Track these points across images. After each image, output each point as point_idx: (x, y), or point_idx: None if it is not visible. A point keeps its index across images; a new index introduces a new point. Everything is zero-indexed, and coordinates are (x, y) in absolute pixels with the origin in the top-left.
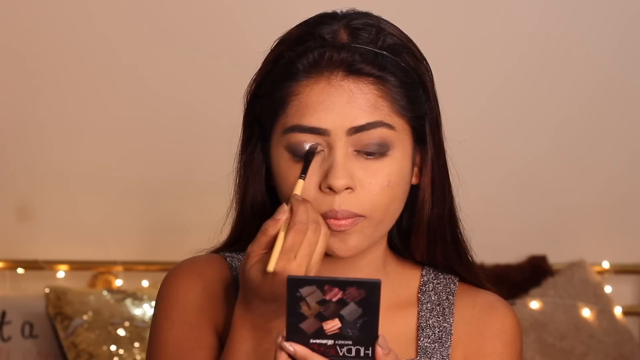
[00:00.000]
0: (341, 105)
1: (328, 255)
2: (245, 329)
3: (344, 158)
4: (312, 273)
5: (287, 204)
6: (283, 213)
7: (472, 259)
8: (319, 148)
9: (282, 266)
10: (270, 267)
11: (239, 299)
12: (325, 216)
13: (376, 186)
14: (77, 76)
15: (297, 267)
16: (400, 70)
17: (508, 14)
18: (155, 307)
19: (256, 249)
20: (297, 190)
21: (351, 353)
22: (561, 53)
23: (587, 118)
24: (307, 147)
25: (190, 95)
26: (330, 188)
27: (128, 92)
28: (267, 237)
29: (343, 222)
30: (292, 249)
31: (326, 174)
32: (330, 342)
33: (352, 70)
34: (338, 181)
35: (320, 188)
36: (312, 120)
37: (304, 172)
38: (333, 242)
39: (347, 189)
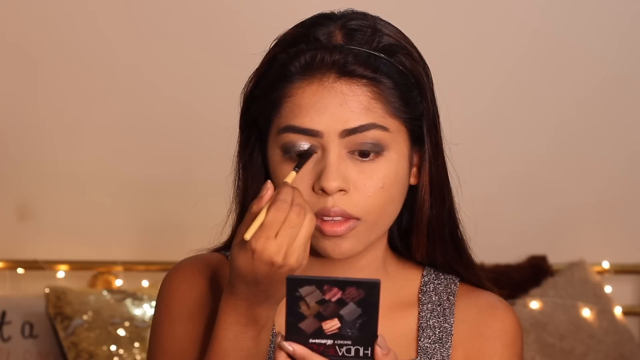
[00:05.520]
0: (334, 107)
1: (323, 257)
2: (229, 315)
3: (337, 160)
4: (294, 257)
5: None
6: (266, 190)
7: (472, 259)
8: (321, 152)
9: (262, 244)
10: (248, 235)
11: (226, 283)
12: (317, 215)
13: (370, 188)
14: (78, 77)
15: (277, 247)
16: (395, 72)
17: (507, 14)
18: (157, 304)
19: (241, 227)
20: (289, 179)
21: (350, 353)
22: (561, 53)
23: (587, 118)
24: (302, 146)
25: (191, 95)
26: (323, 190)
27: (128, 92)
28: (251, 215)
29: (337, 228)
30: (272, 226)
31: (319, 176)
32: (329, 342)
33: (345, 72)
34: (330, 183)
35: (313, 190)
36: (305, 121)
37: (298, 166)
38: (327, 245)
39: (340, 190)
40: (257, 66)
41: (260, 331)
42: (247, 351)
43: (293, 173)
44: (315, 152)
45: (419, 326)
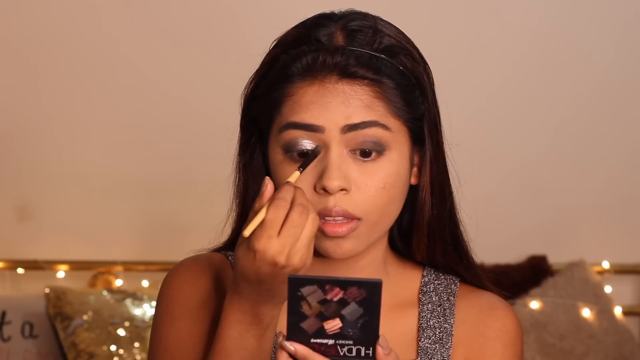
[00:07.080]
0: (336, 104)
1: (324, 256)
2: (233, 314)
3: (338, 159)
4: (297, 257)
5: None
6: (265, 186)
7: (472, 259)
8: (323, 151)
9: (264, 244)
10: (247, 231)
11: (230, 282)
12: (319, 215)
13: (372, 188)
14: (78, 76)
15: (280, 248)
16: (396, 72)
17: (507, 14)
18: (158, 303)
19: (245, 226)
20: (292, 179)
21: (352, 353)
22: (561, 53)
23: (587, 118)
24: (304, 144)
25: (192, 95)
26: (325, 189)
27: (129, 93)
28: (253, 214)
29: (339, 229)
30: (272, 225)
31: (321, 175)
32: (331, 341)
33: (346, 74)
34: (332, 182)
35: (315, 189)
36: (306, 117)
37: (302, 166)
38: (328, 245)
39: (341, 190)
40: (257, 67)
41: (265, 331)
42: (250, 350)
43: (297, 173)
44: (320, 152)
45: (419, 326)
